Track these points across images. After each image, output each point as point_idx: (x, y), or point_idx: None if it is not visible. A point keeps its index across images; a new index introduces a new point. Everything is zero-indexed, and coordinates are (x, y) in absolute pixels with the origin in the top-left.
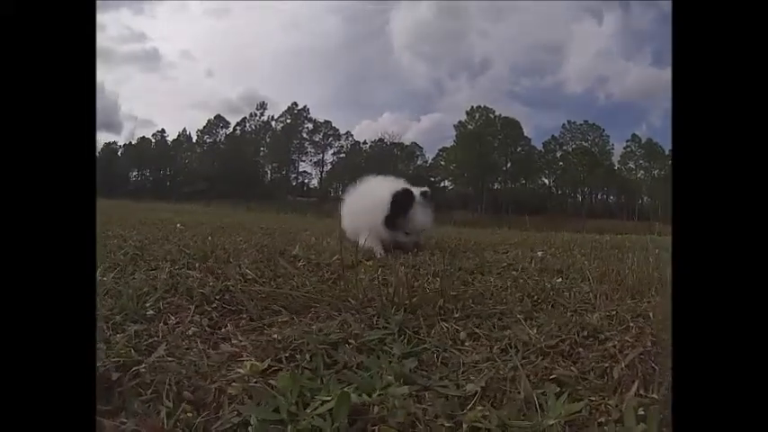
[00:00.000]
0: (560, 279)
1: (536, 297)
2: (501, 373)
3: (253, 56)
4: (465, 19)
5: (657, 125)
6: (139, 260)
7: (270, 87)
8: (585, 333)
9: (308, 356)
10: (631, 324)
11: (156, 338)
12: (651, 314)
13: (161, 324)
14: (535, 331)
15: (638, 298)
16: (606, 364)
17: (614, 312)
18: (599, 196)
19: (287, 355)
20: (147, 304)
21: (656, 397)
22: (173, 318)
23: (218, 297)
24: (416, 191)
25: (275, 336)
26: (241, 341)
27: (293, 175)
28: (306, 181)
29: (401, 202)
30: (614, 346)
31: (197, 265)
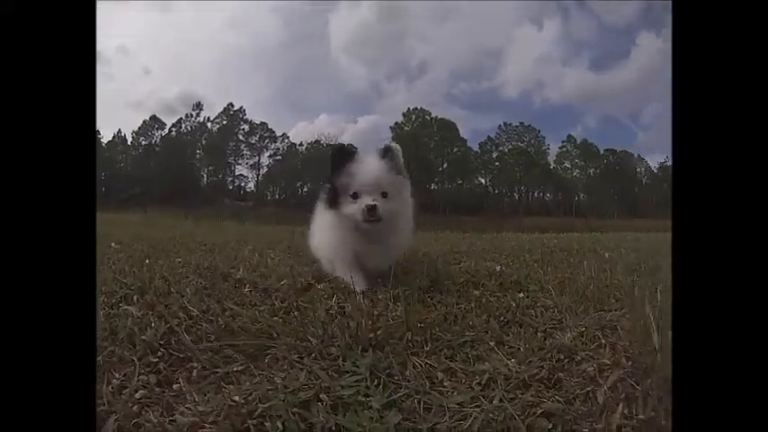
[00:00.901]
0: (522, 294)
1: (502, 318)
2: (491, 415)
3: (191, 54)
4: (405, 22)
5: (592, 127)
6: None
7: (207, 87)
8: (561, 356)
9: (279, 424)
10: (603, 341)
11: (102, 406)
12: (618, 327)
13: (104, 385)
14: (513, 361)
15: (600, 308)
16: (589, 388)
17: (584, 329)
18: (536, 194)
19: (254, 422)
20: None
21: (643, 417)
22: (116, 375)
23: (162, 342)
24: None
25: (236, 398)
26: (198, 405)
27: (229, 179)
28: (242, 184)
29: (337, 158)
30: (593, 369)
31: (135, 298)
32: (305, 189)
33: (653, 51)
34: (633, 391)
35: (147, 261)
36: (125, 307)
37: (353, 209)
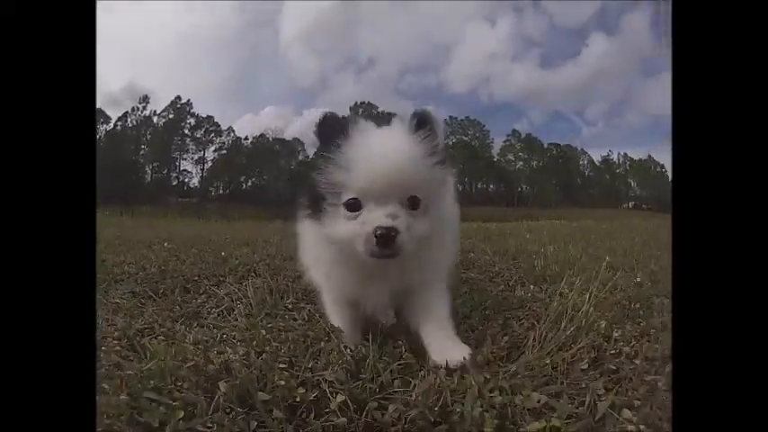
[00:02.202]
0: None
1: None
2: None
3: (139, 42)
4: (357, 14)
5: (538, 122)
6: None
7: (153, 78)
8: None
9: None
10: None
11: None
12: None
13: None
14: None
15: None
16: None
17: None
18: (478, 185)
19: None
20: None
21: None
22: None
23: None
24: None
25: None
26: None
27: (174, 175)
28: (186, 180)
29: (324, 135)
30: None
31: None
32: (248, 184)
33: (603, 52)
34: None
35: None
36: None
37: (351, 230)
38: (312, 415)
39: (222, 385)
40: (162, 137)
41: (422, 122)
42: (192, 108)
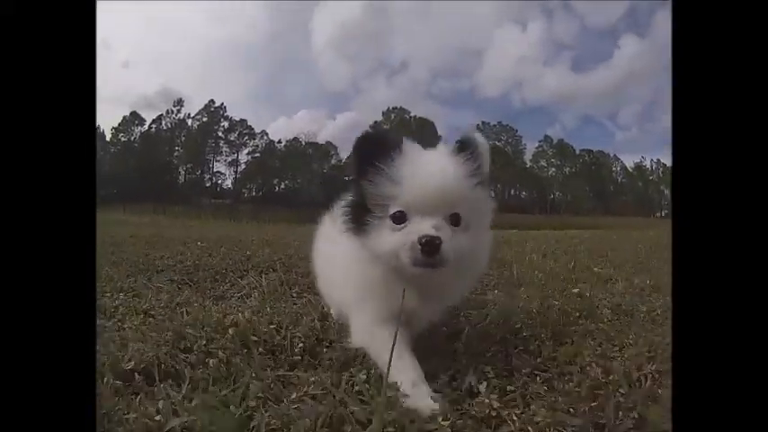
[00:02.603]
0: None
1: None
2: None
3: (173, 47)
4: (388, 19)
5: (570, 126)
6: None
7: (187, 82)
8: None
9: None
10: None
11: None
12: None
13: None
14: None
15: None
16: None
17: None
18: (512, 192)
19: None
20: None
21: None
22: None
23: None
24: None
25: None
26: None
27: (207, 176)
28: (219, 182)
29: (370, 152)
30: None
31: None
32: (282, 186)
33: (635, 53)
34: None
35: None
36: None
37: (396, 241)
38: (283, 355)
39: (230, 330)
40: (196, 139)
41: (465, 146)
42: (225, 111)
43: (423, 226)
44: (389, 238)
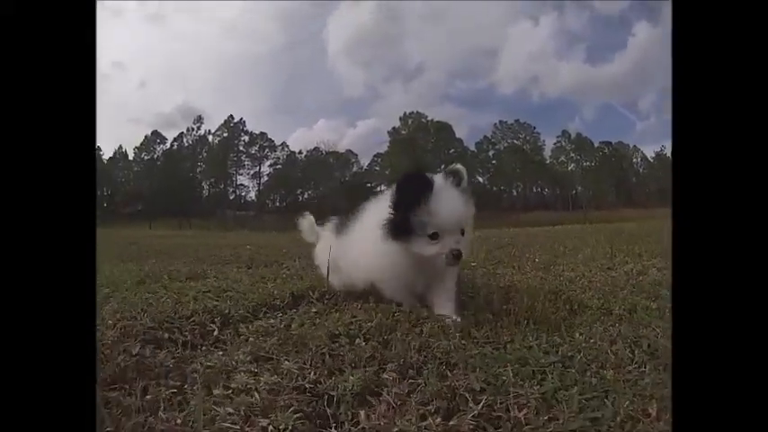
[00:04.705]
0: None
1: None
2: None
3: (187, 65)
4: (401, 23)
5: (590, 118)
6: None
7: (205, 98)
8: None
9: None
10: None
11: None
12: None
13: None
14: None
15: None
16: None
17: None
18: (534, 190)
19: None
20: None
21: None
22: None
23: None
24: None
25: None
26: None
27: (230, 189)
28: (243, 194)
29: (411, 189)
30: None
31: None
32: (305, 196)
33: (649, 40)
34: None
35: None
36: None
37: (434, 250)
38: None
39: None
40: (217, 154)
41: (458, 178)
42: (245, 126)
43: (450, 241)
44: (430, 249)
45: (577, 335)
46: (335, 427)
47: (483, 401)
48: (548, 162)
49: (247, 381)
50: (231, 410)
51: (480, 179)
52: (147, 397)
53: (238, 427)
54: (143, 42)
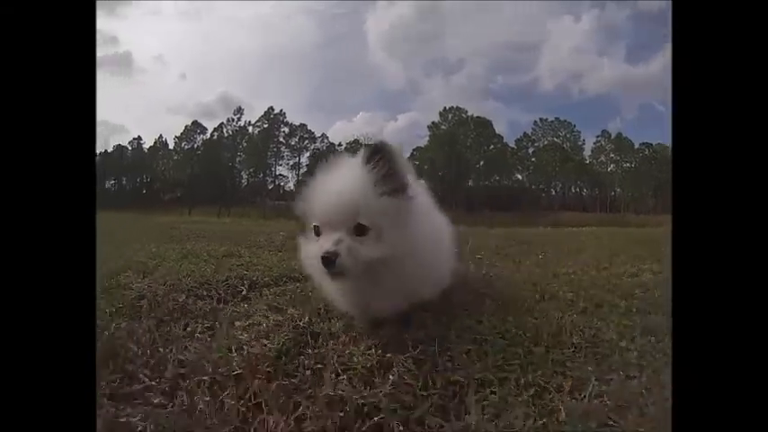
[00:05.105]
0: None
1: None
2: None
3: (226, 59)
4: (441, 18)
5: (629, 118)
6: None
7: (245, 91)
8: None
9: None
10: None
11: None
12: None
13: None
14: None
15: None
16: None
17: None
18: (572, 189)
19: None
20: None
21: None
22: None
23: None
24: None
25: None
26: None
27: (269, 179)
28: (282, 184)
29: (314, 170)
30: None
31: None
32: None
33: None
34: None
35: None
36: None
37: (314, 251)
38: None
39: None
40: (257, 144)
41: (373, 154)
42: (285, 118)
43: (325, 240)
44: (312, 248)
45: (530, 318)
46: (310, 348)
47: (419, 349)
48: (587, 162)
49: (260, 319)
50: (246, 335)
51: (519, 176)
52: (188, 329)
53: (248, 343)
54: (182, 37)
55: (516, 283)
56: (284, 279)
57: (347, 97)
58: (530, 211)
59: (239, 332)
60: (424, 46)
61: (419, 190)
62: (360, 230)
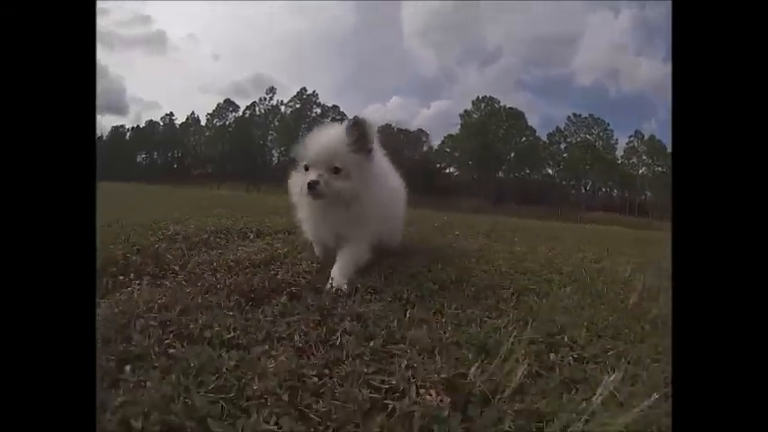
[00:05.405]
0: None
1: None
2: None
3: (259, 40)
4: (478, 8)
5: (664, 120)
6: None
7: (278, 72)
8: None
9: None
10: None
11: None
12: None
13: None
14: None
15: None
16: None
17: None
18: (602, 189)
19: None
20: None
21: None
22: None
23: None
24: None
25: None
26: None
27: None
28: None
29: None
30: None
31: None
32: None
33: None
34: None
35: None
36: None
37: (302, 181)
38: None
39: None
40: (289, 124)
41: (353, 124)
42: (317, 99)
43: (311, 173)
44: (300, 179)
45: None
46: (280, 260)
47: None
48: (619, 162)
49: (258, 247)
50: (246, 253)
51: (550, 171)
52: (211, 252)
53: (247, 255)
54: (215, 17)
55: (466, 253)
56: (282, 232)
57: (381, 82)
58: (556, 206)
59: (241, 252)
60: (459, 35)
61: (380, 155)
62: (335, 171)
